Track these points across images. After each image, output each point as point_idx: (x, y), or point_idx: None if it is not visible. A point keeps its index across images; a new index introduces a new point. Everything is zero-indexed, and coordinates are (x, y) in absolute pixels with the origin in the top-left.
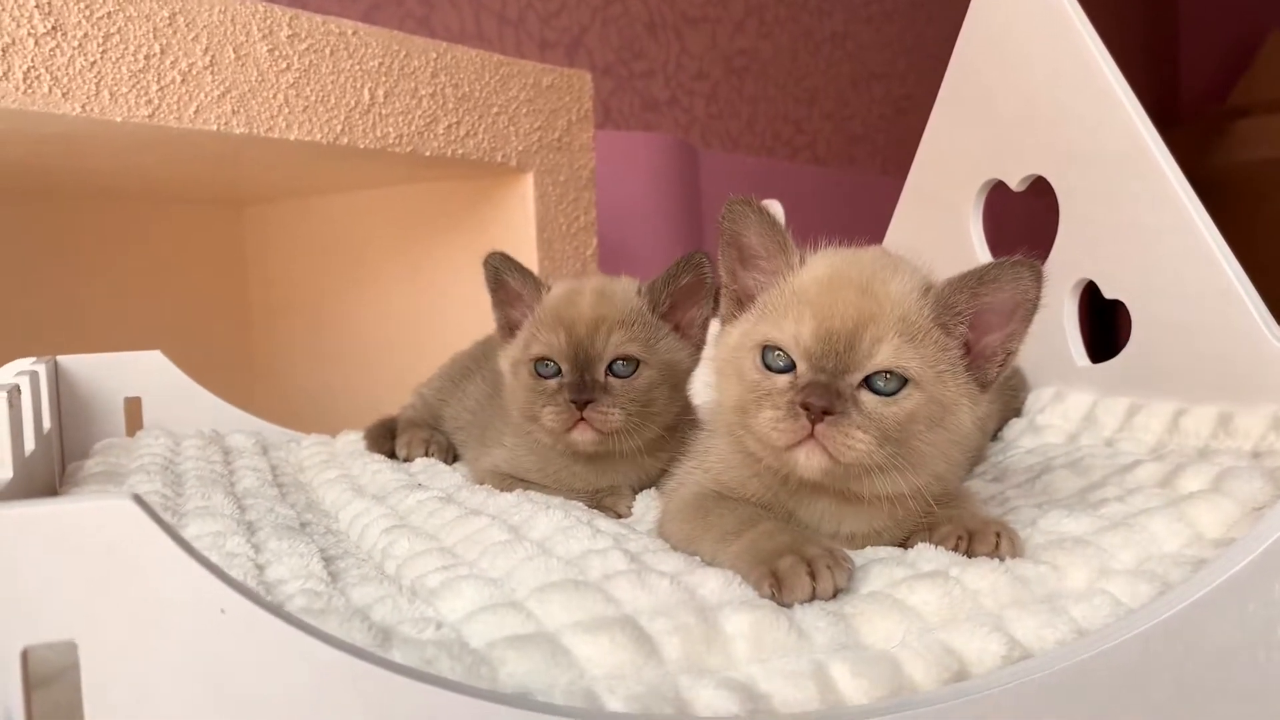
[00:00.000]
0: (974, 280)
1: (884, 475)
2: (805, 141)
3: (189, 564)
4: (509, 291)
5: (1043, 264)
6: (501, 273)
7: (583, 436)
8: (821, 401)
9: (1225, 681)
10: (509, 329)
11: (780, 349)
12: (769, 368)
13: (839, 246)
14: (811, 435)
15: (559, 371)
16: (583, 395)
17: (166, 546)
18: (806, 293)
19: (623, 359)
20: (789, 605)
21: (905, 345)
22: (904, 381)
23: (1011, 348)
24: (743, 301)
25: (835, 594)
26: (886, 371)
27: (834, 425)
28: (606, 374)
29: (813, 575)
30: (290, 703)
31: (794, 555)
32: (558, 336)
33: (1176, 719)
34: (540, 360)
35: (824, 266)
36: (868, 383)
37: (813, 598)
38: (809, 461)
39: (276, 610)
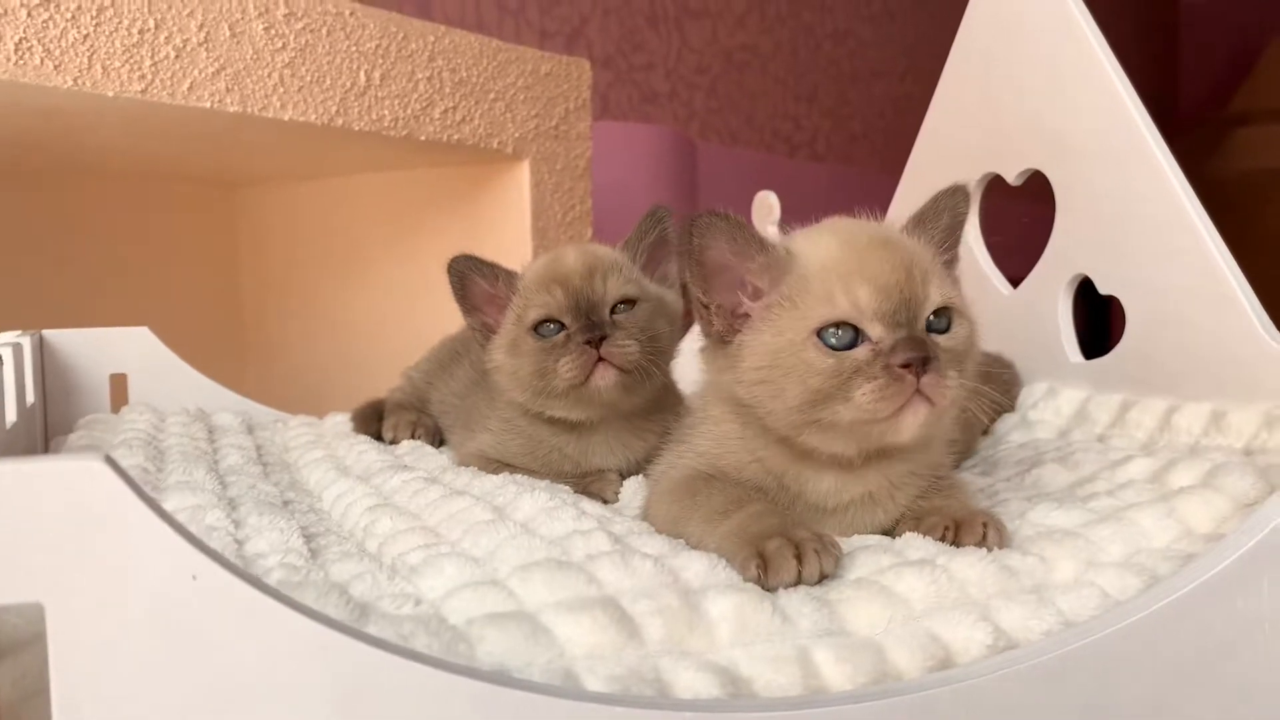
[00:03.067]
0: (931, 215)
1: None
2: (804, 139)
3: (160, 528)
4: (479, 294)
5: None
6: (469, 276)
7: (604, 380)
8: (923, 353)
9: (1213, 676)
10: (485, 333)
11: (841, 324)
12: (834, 348)
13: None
14: (918, 391)
15: (562, 328)
16: (596, 333)
17: (137, 509)
18: (837, 265)
19: (623, 301)
20: (774, 589)
21: (940, 278)
22: (949, 315)
23: (953, 271)
24: (734, 316)
25: (821, 579)
26: (937, 310)
27: (934, 374)
28: (611, 317)
29: (799, 559)
30: (261, 673)
31: (782, 538)
32: (553, 295)
33: (1162, 713)
34: (541, 323)
35: (829, 239)
36: (926, 326)
37: (798, 582)
38: (914, 419)
39: (249, 578)
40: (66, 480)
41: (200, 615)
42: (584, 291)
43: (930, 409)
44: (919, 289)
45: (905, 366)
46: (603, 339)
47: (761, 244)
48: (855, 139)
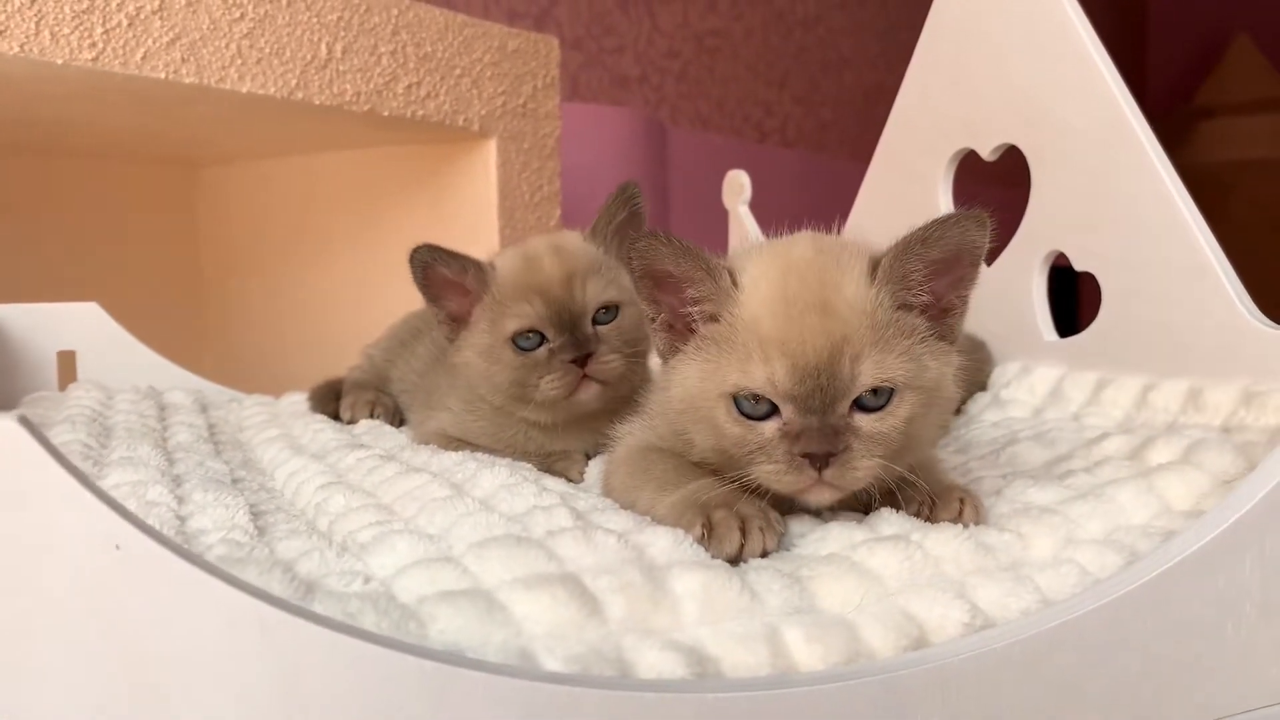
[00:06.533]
0: (919, 244)
1: (887, 472)
2: (775, 125)
3: (80, 494)
4: (441, 283)
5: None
6: (433, 266)
7: (587, 395)
8: (823, 448)
9: (1194, 655)
10: (452, 321)
11: (756, 396)
12: (747, 415)
13: (770, 238)
14: (819, 480)
15: (542, 340)
16: (582, 351)
17: (53, 473)
18: (762, 326)
19: (604, 307)
20: (717, 557)
21: (882, 353)
22: (891, 390)
23: (965, 294)
24: (679, 331)
25: (764, 554)
26: (873, 389)
27: (839, 465)
28: (593, 325)
29: (744, 533)
30: (194, 652)
31: (728, 509)
32: (533, 305)
33: (1143, 691)
34: (520, 335)
35: (770, 286)
36: (857, 403)
37: (739, 555)
38: (820, 498)
39: (179, 549)
40: None
41: (126, 589)
42: (565, 302)
43: (836, 492)
44: (844, 372)
45: (806, 456)
46: (588, 357)
47: (708, 266)
48: (826, 126)
